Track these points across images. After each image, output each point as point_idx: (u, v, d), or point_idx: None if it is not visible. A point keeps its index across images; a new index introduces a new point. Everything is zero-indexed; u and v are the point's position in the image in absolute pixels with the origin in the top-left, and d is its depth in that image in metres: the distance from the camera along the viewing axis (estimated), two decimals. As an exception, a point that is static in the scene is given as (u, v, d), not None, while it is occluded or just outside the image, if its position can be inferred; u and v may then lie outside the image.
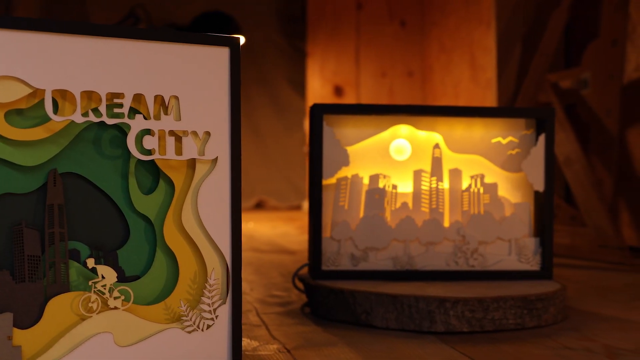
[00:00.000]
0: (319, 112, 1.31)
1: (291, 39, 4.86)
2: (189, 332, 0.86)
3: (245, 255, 2.25)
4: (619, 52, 2.29)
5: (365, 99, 4.17)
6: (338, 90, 4.19)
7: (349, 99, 4.18)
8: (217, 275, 0.88)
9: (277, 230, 3.30)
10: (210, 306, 0.87)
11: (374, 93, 4.18)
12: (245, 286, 1.61)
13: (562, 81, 2.54)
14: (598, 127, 2.35)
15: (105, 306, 0.82)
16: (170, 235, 0.85)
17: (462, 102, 3.37)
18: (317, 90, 4.22)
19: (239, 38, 0.89)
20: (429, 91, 3.98)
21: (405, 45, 4.16)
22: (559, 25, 2.50)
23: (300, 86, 4.69)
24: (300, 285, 1.42)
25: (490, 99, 2.98)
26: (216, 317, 0.88)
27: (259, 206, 5.06)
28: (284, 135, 5.01)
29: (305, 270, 1.41)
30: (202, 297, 0.87)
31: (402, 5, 4.17)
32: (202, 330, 0.87)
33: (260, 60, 4.84)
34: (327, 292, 1.23)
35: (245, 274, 1.82)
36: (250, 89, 4.85)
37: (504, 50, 2.90)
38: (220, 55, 0.88)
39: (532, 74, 2.51)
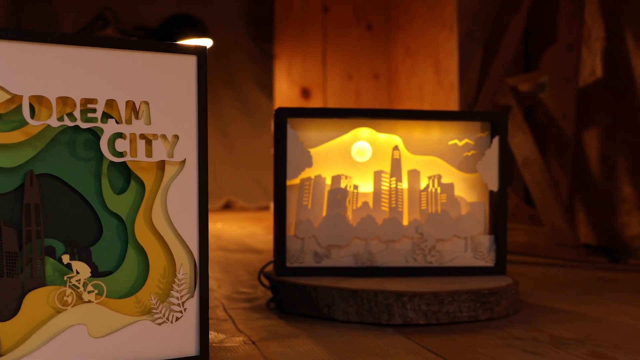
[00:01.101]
0: (283, 116, 1.36)
1: (259, 41, 4.91)
2: (159, 324, 0.91)
3: (213, 254, 2.29)
4: (575, 56, 2.37)
5: (332, 101, 4.22)
6: (305, 93, 4.23)
7: (316, 101, 4.23)
8: (185, 270, 0.93)
9: (244, 231, 3.35)
10: (179, 299, 0.92)
11: (341, 95, 4.23)
12: (212, 283, 1.65)
13: (521, 85, 2.62)
14: (555, 130, 2.43)
15: (80, 300, 0.86)
16: (141, 232, 0.90)
17: (426, 105, 3.43)
18: (285, 92, 4.26)
19: (205, 46, 0.94)
20: (394, 93, 4.04)
21: (372, 48, 4.22)
22: (518, 30, 2.57)
23: (268, 88, 4.73)
24: (265, 281, 1.47)
25: (453, 102, 3.05)
26: (184, 310, 0.93)
27: (228, 207, 5.09)
28: (252, 137, 5.05)
29: (270, 267, 1.46)
30: (171, 291, 0.92)
31: (368, 8, 4.23)
32: (171, 322, 0.92)
33: (229, 62, 4.88)
34: (291, 287, 1.29)
35: (213, 272, 1.86)
36: (219, 91, 4.89)
37: (466, 54, 2.97)
38: (188, 63, 0.93)
39: (492, 78, 2.58)
